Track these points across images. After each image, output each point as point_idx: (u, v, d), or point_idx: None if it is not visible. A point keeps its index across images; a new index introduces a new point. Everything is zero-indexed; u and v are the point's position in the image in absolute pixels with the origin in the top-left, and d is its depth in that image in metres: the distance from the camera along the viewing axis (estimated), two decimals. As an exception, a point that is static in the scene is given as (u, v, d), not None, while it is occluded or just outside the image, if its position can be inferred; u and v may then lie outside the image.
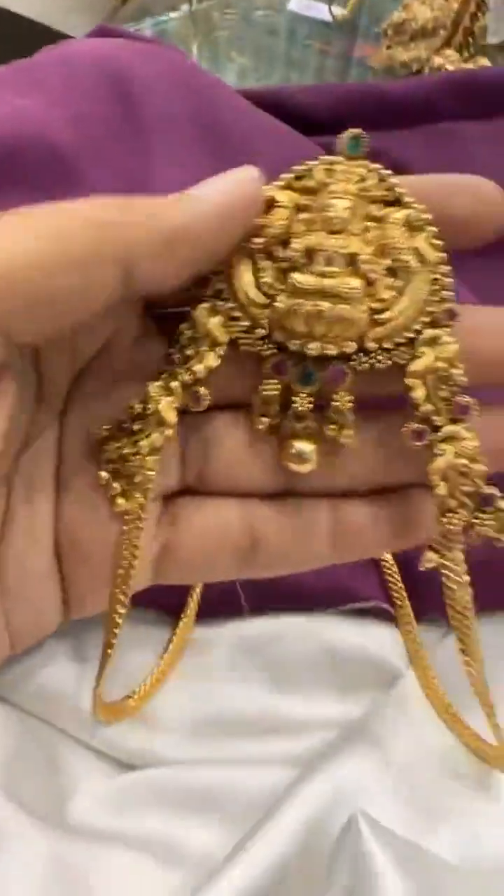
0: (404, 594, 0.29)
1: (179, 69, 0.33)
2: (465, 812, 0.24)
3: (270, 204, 0.18)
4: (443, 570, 0.19)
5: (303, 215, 0.18)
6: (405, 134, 0.35)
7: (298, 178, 0.19)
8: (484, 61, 0.44)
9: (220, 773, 0.24)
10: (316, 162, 0.19)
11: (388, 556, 0.29)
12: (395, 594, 0.29)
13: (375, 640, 0.27)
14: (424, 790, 0.24)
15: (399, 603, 0.29)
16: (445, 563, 0.18)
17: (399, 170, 0.35)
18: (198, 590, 0.28)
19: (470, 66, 0.44)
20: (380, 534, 0.19)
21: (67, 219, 0.16)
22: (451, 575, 0.18)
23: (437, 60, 0.44)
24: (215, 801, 0.23)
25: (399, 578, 0.29)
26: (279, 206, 0.18)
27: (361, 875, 0.17)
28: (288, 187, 0.19)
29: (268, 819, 0.20)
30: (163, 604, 0.29)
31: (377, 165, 0.18)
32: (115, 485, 0.19)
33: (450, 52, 0.44)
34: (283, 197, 0.19)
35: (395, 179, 0.18)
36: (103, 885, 0.19)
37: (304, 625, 0.27)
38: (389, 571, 0.29)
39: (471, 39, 0.44)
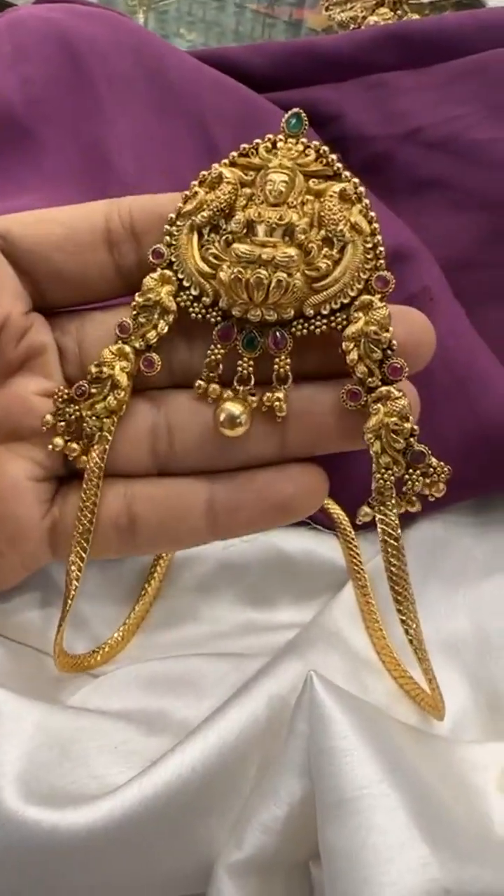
0: (344, 518, 0.30)
1: (124, 30, 0.34)
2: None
3: (218, 180, 0.20)
4: (378, 525, 0.20)
5: (246, 190, 0.20)
6: (340, 87, 0.37)
7: (243, 154, 0.20)
8: (415, 17, 0.46)
9: (198, 662, 0.27)
10: (261, 140, 0.20)
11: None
12: (335, 516, 0.31)
13: (326, 545, 0.30)
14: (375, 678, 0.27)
15: (340, 525, 0.30)
16: (380, 516, 0.20)
17: (333, 121, 0.37)
18: (159, 569, 0.29)
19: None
20: (255, 510, 0.20)
21: None
22: (387, 528, 0.20)
23: (372, 19, 0.46)
24: (194, 683, 0.25)
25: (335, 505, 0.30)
26: (225, 182, 0.20)
27: (315, 719, 0.20)
28: (233, 164, 0.20)
29: (242, 691, 0.23)
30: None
31: (316, 142, 0.20)
32: (75, 445, 0.20)
33: (384, 10, 0.46)
34: (229, 173, 0.20)
35: (333, 155, 0.20)
36: (89, 749, 0.21)
37: (260, 539, 0.30)
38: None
39: (403, -2, 0.46)
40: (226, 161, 0.20)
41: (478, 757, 0.23)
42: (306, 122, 0.20)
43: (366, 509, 0.20)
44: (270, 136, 0.20)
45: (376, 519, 0.20)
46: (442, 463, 0.20)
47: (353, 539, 0.30)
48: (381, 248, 0.20)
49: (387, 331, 0.19)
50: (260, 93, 0.36)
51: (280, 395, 0.20)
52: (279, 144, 0.20)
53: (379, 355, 0.19)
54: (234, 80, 0.34)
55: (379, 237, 0.20)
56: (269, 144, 0.20)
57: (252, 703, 0.22)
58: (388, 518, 0.20)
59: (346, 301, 0.19)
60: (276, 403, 0.20)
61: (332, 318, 0.20)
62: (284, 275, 0.19)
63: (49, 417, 0.21)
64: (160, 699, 0.24)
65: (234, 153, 0.20)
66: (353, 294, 0.19)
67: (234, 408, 0.20)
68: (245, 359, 0.20)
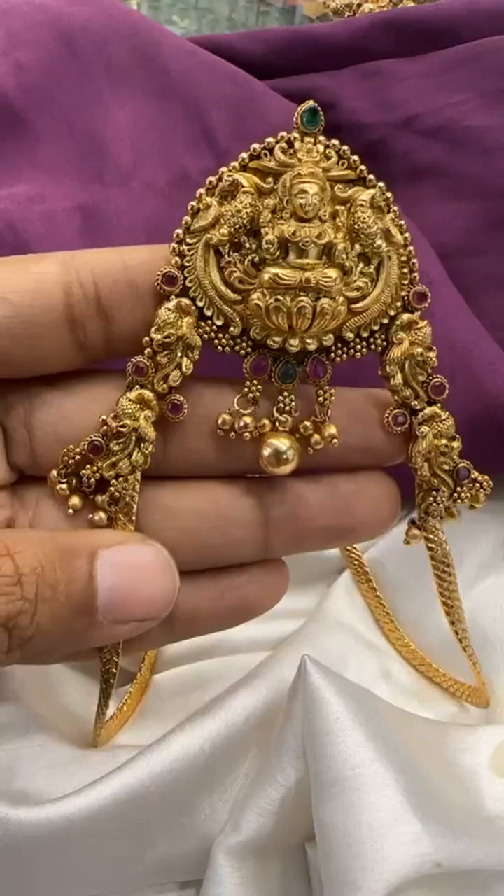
0: None
1: (119, 15, 0.34)
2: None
3: (233, 189, 0.17)
4: (427, 545, 0.20)
5: (268, 201, 0.17)
6: (336, 74, 0.37)
7: (254, 156, 0.17)
8: (411, 4, 0.46)
9: (200, 671, 0.27)
10: (273, 139, 0.17)
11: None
12: None
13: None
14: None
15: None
16: (430, 536, 0.19)
17: (329, 109, 0.37)
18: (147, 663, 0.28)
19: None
20: (214, 614, 0.19)
21: None
22: (436, 547, 0.20)
23: (368, 6, 0.46)
24: (203, 687, 0.26)
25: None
26: (243, 192, 0.17)
27: (309, 702, 0.20)
28: (244, 168, 0.17)
29: (250, 676, 0.23)
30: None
31: (335, 142, 0.17)
32: (100, 515, 0.18)
33: (379, -3, 0.46)
34: (245, 181, 0.17)
35: (355, 157, 0.18)
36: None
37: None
38: None
39: (399, -16, 0.46)
40: (235, 164, 0.17)
41: (469, 739, 0.23)
42: (322, 118, 0.17)
43: (415, 531, 0.20)
44: (284, 134, 0.17)
45: (424, 538, 0.20)
46: (484, 476, 0.19)
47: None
48: (415, 261, 0.18)
49: (431, 349, 0.18)
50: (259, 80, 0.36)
51: (333, 430, 0.18)
52: (297, 145, 0.17)
53: (424, 377, 0.18)
54: (229, 65, 0.34)
55: (412, 248, 0.18)
56: (284, 145, 0.17)
57: (261, 688, 0.23)
58: (437, 537, 0.20)
59: (385, 322, 0.18)
60: (332, 440, 0.18)
61: (371, 339, 0.18)
62: (328, 300, 0.17)
63: (63, 486, 0.18)
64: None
65: (245, 154, 0.17)
66: (392, 313, 0.18)
67: (280, 443, 0.18)
68: (285, 393, 0.18)
